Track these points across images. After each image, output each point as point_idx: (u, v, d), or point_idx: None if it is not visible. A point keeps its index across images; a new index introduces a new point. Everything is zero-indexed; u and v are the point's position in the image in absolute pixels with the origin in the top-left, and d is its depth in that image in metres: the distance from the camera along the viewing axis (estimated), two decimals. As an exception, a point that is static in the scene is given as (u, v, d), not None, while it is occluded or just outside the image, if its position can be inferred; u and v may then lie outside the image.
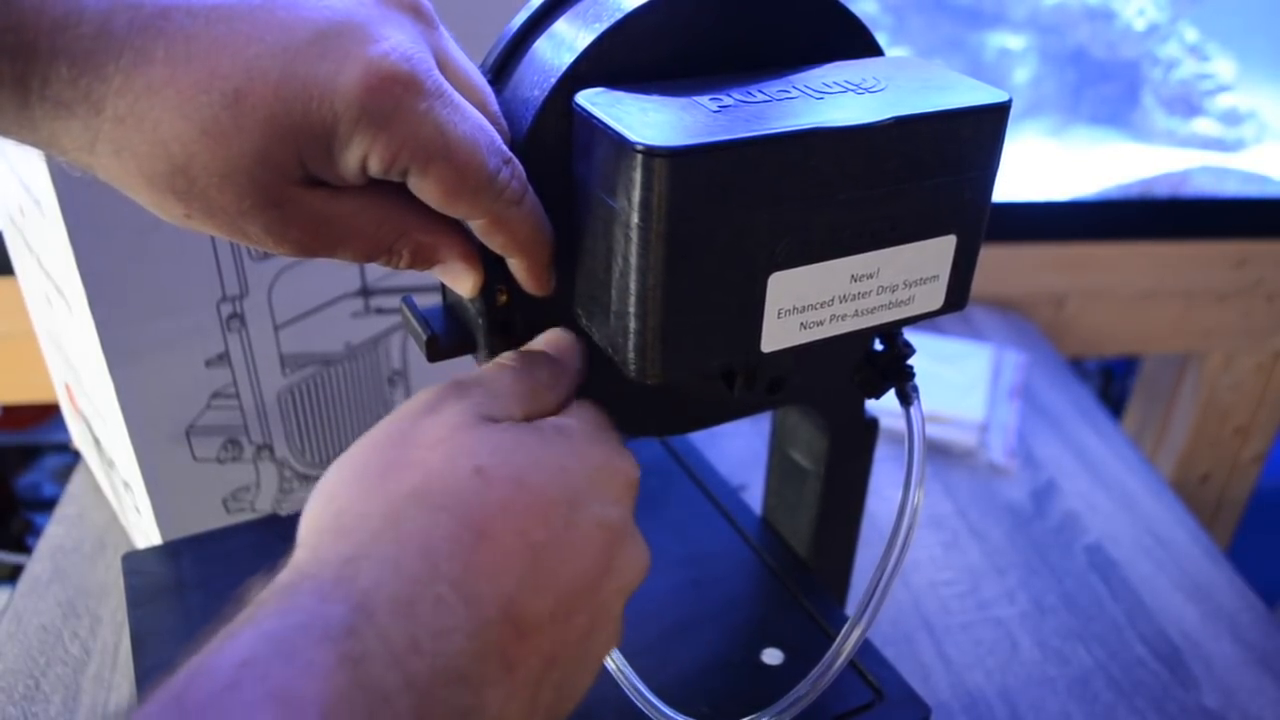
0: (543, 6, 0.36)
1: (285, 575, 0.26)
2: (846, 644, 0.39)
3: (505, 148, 0.32)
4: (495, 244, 0.33)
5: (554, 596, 0.28)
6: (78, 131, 0.29)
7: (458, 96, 0.31)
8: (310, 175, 0.30)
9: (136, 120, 0.28)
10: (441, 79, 0.30)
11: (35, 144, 0.30)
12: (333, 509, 0.29)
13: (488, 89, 0.34)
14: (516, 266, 0.34)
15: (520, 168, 0.32)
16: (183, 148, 0.28)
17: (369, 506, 0.28)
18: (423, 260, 0.34)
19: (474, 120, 0.31)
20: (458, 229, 0.34)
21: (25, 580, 0.67)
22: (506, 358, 0.35)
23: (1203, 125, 1.34)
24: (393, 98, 0.29)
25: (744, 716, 0.41)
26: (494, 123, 0.33)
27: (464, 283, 0.35)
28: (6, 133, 0.29)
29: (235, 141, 0.28)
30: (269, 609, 0.25)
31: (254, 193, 0.29)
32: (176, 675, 0.23)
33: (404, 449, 0.30)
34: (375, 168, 0.30)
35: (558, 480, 0.30)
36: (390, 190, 0.32)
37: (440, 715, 0.25)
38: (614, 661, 0.40)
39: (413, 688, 0.24)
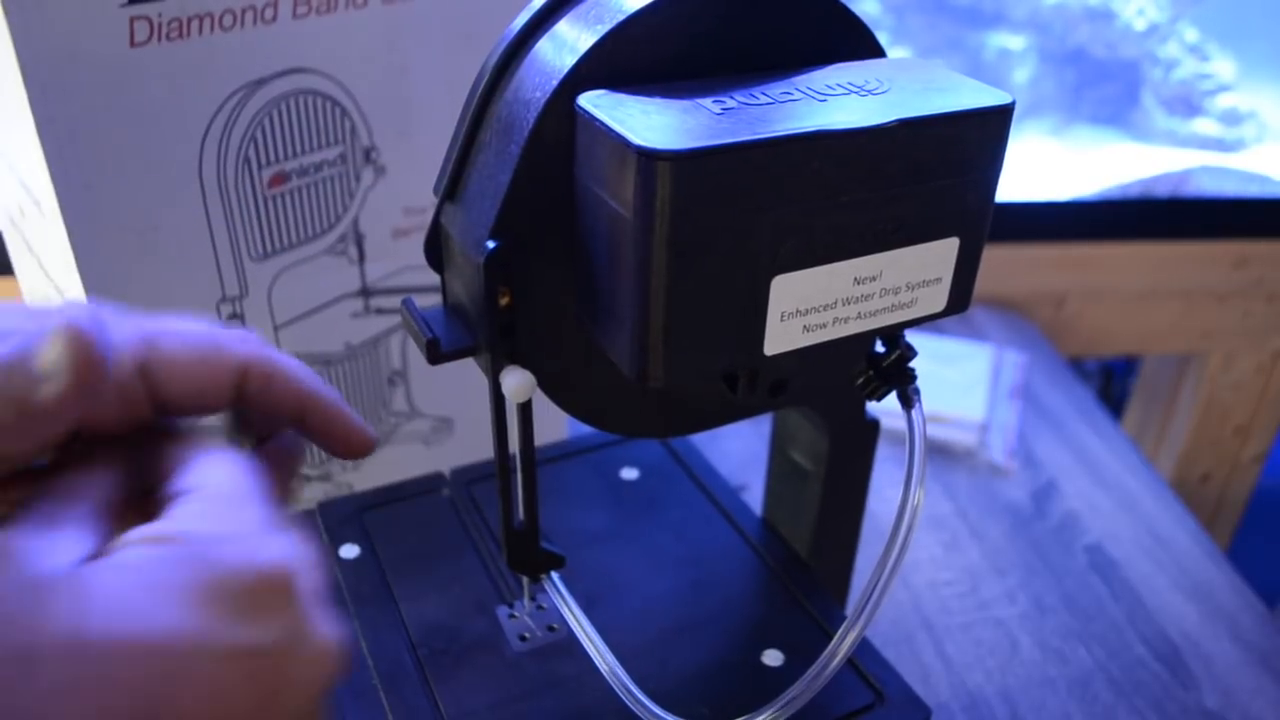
0: (544, 7, 0.35)
1: None
2: (843, 644, 0.39)
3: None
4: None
5: None
6: None
7: None
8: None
9: None
10: None
11: None
12: None
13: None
14: None
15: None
16: None
17: None
18: None
19: None
20: None
21: (25, 580, 0.66)
22: None
23: (1203, 125, 1.34)
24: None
25: (741, 717, 0.41)
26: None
27: None
28: None
29: None
30: None
31: None
32: None
33: None
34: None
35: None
36: None
37: None
38: (605, 662, 0.40)
39: None
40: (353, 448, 0.33)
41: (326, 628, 0.26)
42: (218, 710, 0.23)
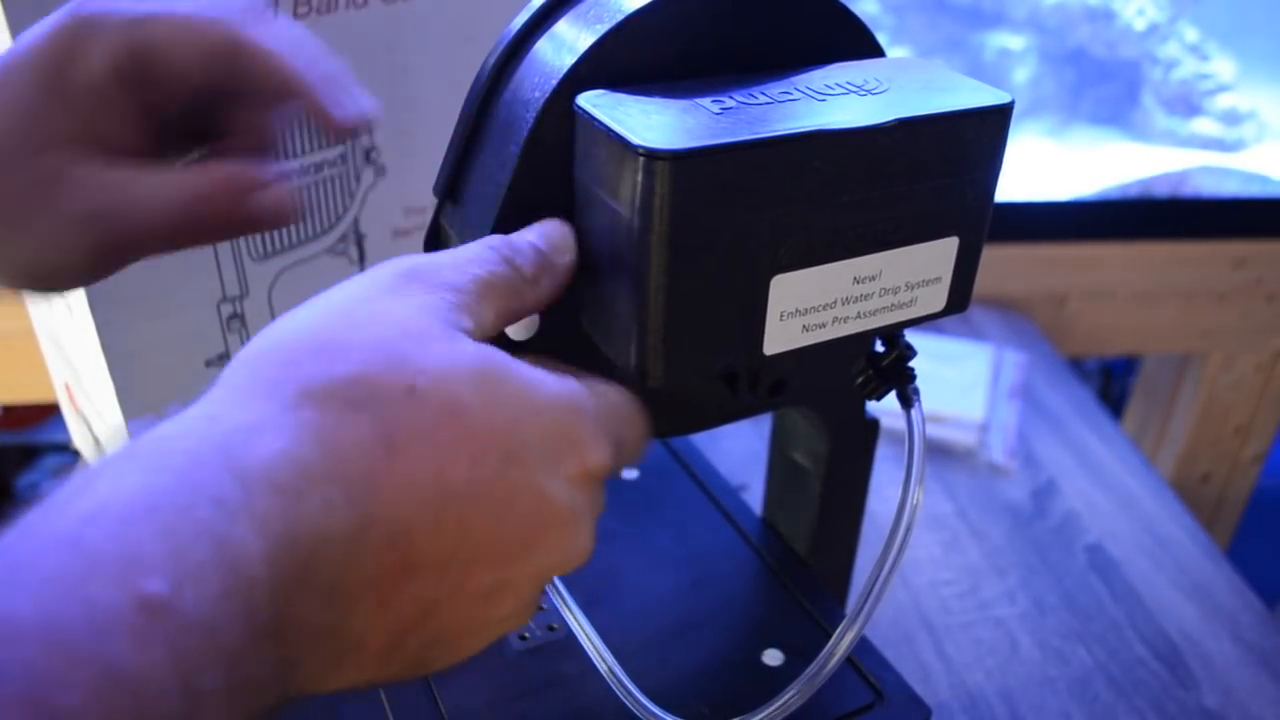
0: (543, 7, 0.35)
1: (176, 423, 0.24)
2: (841, 643, 0.39)
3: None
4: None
5: (453, 544, 0.26)
6: None
7: None
8: (78, 135, 0.33)
9: None
10: None
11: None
12: (256, 358, 0.26)
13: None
14: None
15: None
16: None
17: (290, 374, 0.26)
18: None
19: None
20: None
21: (25, 580, 0.66)
22: (492, 240, 0.32)
23: (1203, 125, 1.34)
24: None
25: (740, 716, 0.41)
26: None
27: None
28: None
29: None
30: (143, 460, 0.23)
31: (23, 164, 0.32)
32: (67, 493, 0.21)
33: (351, 330, 0.27)
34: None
35: (501, 426, 0.27)
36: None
37: (298, 620, 0.23)
38: (604, 662, 0.40)
39: (276, 583, 0.22)
40: (337, 131, 0.35)
41: (590, 534, 0.30)
42: (491, 523, 0.26)
